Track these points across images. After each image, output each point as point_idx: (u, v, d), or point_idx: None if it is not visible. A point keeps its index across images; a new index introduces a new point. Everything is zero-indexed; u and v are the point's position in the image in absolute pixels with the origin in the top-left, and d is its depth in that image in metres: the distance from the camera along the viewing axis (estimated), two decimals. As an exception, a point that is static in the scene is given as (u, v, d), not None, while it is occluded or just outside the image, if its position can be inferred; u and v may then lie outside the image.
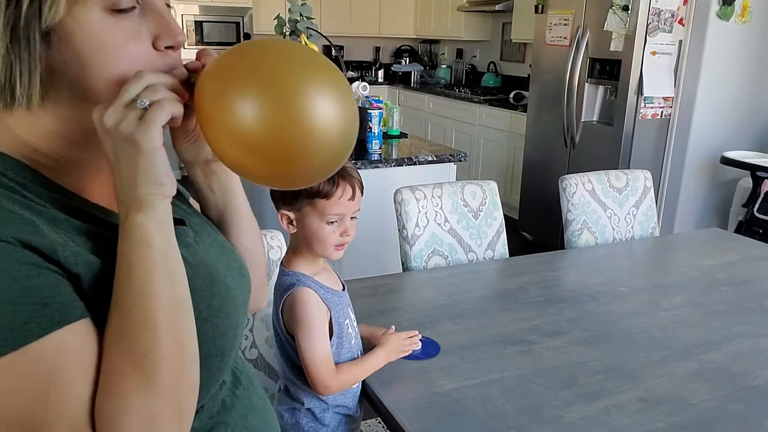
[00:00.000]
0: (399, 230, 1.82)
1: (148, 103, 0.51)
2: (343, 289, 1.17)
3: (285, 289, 1.08)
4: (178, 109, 0.53)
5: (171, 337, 0.52)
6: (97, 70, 0.51)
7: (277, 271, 1.15)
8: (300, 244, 1.11)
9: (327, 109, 0.57)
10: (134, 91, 0.51)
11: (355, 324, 1.18)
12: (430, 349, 1.26)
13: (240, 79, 0.54)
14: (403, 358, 1.20)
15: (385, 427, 1.12)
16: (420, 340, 1.24)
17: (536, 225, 3.87)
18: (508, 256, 1.97)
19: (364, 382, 1.15)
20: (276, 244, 1.42)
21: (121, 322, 0.51)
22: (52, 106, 0.53)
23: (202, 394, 0.59)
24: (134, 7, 0.53)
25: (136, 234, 0.52)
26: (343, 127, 0.59)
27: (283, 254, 1.37)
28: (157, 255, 0.52)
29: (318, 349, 1.05)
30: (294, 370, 1.12)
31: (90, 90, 0.52)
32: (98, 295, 0.52)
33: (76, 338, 0.49)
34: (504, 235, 1.97)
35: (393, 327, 1.23)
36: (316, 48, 2.62)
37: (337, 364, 1.09)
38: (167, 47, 0.55)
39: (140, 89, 0.51)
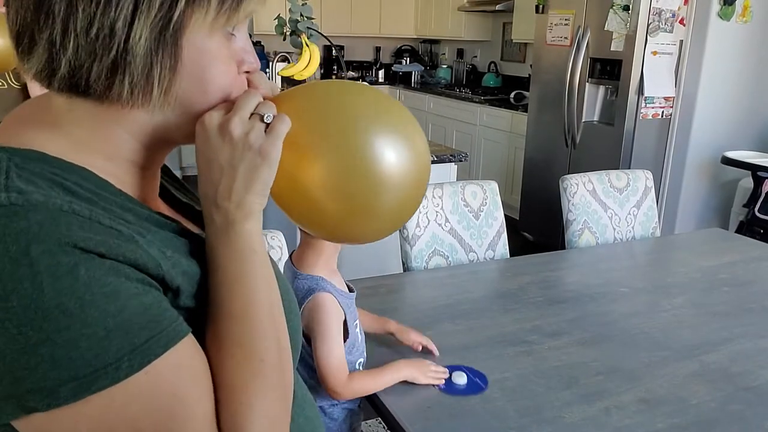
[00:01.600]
0: (399, 230, 1.82)
1: (272, 117, 0.54)
2: (351, 291, 1.17)
3: (304, 294, 1.08)
4: (290, 123, 0.55)
5: (275, 341, 0.55)
6: (206, 84, 0.53)
7: (287, 273, 1.15)
8: (317, 245, 1.11)
9: (390, 160, 0.58)
10: (252, 104, 0.54)
11: (358, 322, 1.18)
12: (474, 385, 1.14)
13: (312, 125, 0.57)
14: (444, 391, 1.12)
15: (386, 427, 1.12)
16: (464, 371, 1.16)
17: (537, 225, 3.87)
18: (508, 256, 1.97)
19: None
20: (276, 244, 1.42)
21: (233, 330, 0.52)
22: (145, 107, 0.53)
23: None
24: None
25: (243, 241, 0.54)
26: (409, 174, 0.60)
27: (284, 254, 1.37)
28: (260, 261, 0.55)
29: (333, 356, 1.05)
30: (306, 371, 1.12)
31: (191, 101, 0.53)
32: (194, 306, 0.52)
33: (190, 352, 0.49)
34: (505, 236, 1.97)
35: (435, 350, 1.21)
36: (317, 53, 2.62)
37: (351, 371, 1.08)
38: (245, 71, 0.57)
39: (256, 103, 0.54)
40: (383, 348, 1.25)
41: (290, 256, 1.19)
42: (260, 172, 0.53)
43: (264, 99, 0.56)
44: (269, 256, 0.68)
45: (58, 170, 0.48)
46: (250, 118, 0.54)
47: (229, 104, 0.54)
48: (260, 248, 0.55)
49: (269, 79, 0.63)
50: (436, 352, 1.23)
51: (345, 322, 1.10)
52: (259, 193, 0.54)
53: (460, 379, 1.14)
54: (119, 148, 0.53)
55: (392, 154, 0.60)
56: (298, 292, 1.09)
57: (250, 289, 0.54)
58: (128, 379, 0.44)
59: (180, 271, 0.51)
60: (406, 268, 1.81)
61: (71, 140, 0.51)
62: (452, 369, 1.17)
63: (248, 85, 0.57)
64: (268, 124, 0.54)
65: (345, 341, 1.09)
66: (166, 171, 0.67)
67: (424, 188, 0.65)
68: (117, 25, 0.46)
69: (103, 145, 0.52)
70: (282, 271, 1.24)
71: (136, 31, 0.47)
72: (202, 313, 0.53)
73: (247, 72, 0.57)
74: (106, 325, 0.43)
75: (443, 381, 1.14)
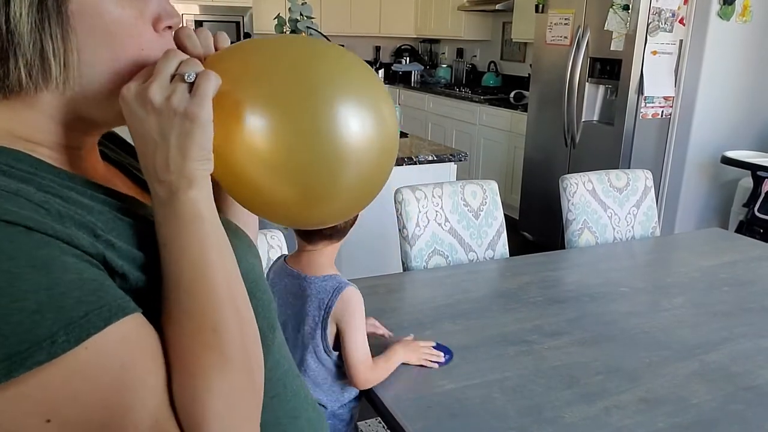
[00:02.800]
0: (399, 230, 1.82)
1: (194, 75, 0.49)
2: None
3: (332, 292, 1.12)
4: (220, 81, 0.51)
5: (233, 311, 0.51)
6: (109, 51, 0.49)
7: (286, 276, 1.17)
8: (327, 252, 1.15)
9: (354, 128, 0.52)
10: (172, 65, 0.50)
11: None
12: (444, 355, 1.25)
13: (252, 88, 0.51)
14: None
15: (386, 427, 1.12)
16: (433, 347, 1.26)
17: (537, 225, 3.86)
18: (508, 256, 1.96)
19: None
20: (276, 244, 1.42)
21: (182, 303, 0.49)
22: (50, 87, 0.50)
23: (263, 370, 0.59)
24: None
25: (189, 210, 0.50)
26: (376, 145, 0.53)
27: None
28: (210, 227, 0.51)
29: (364, 347, 1.12)
30: (322, 374, 1.13)
31: (99, 73, 0.50)
32: (145, 288, 0.50)
33: (137, 328, 0.47)
34: (504, 235, 1.97)
35: (411, 336, 1.26)
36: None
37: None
38: (165, 28, 0.53)
39: (177, 64, 0.50)
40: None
41: (285, 260, 1.19)
42: (193, 136, 0.49)
43: (191, 57, 0.52)
44: (233, 225, 0.65)
45: None
46: (172, 81, 0.49)
47: (149, 70, 0.50)
48: (209, 214, 0.52)
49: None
50: (388, 334, 1.30)
51: None
52: (198, 159, 0.50)
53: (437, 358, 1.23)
54: (42, 132, 0.51)
55: (354, 119, 0.52)
56: (323, 294, 1.13)
57: (199, 257, 0.50)
58: (66, 354, 0.41)
59: (119, 254, 0.48)
60: (406, 267, 1.81)
61: (8, 125, 0.49)
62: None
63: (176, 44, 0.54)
64: (192, 84, 0.49)
65: None
66: (121, 141, 0.65)
67: (391, 162, 0.58)
68: None
69: (26, 132, 0.50)
70: (269, 266, 1.25)
71: (14, 9, 0.45)
72: (156, 297, 0.51)
73: (169, 28, 0.54)
74: (38, 298, 0.40)
75: (437, 365, 1.19)
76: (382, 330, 1.30)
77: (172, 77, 0.50)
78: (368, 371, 1.12)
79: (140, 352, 0.46)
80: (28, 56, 0.46)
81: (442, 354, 1.21)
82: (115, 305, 0.44)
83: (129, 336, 0.45)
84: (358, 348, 1.10)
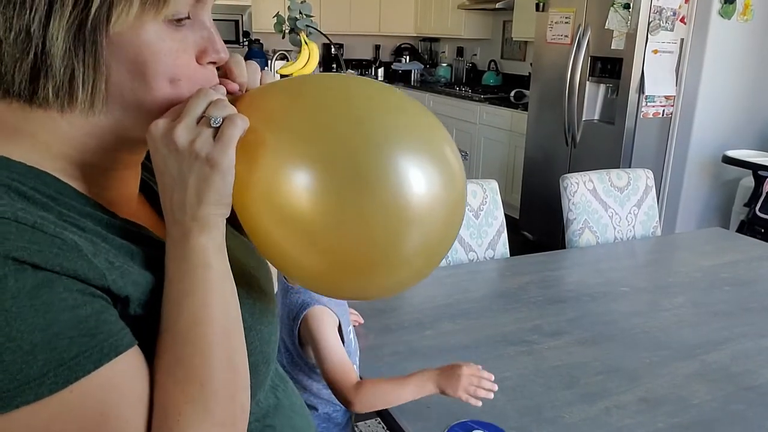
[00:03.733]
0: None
1: (221, 120, 0.49)
2: None
3: (298, 308, 1.06)
4: (247, 124, 0.50)
5: (225, 363, 0.50)
6: (148, 79, 0.49)
7: (278, 284, 1.12)
8: None
9: (423, 192, 0.43)
10: (200, 107, 0.50)
11: (352, 327, 1.18)
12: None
13: (294, 136, 0.46)
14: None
15: (385, 428, 1.11)
16: (484, 428, 1.02)
17: (537, 224, 3.86)
18: (508, 255, 1.96)
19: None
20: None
21: (176, 349, 0.49)
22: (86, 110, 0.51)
23: (252, 399, 0.58)
24: (188, 18, 0.51)
25: (197, 256, 0.50)
26: (444, 209, 0.45)
27: None
28: (215, 277, 0.51)
29: (336, 365, 1.01)
30: (307, 381, 1.12)
31: (127, 98, 0.50)
32: (147, 317, 0.50)
33: (126, 370, 0.46)
34: (505, 235, 1.96)
35: (471, 365, 0.99)
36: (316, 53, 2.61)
37: (364, 378, 1.03)
38: (209, 62, 0.53)
39: (205, 105, 0.50)
40: (418, 359, 1.24)
41: None
42: (211, 182, 0.49)
43: (230, 94, 0.51)
44: (252, 275, 0.63)
45: (16, 174, 0.47)
46: (199, 122, 0.49)
47: (181, 107, 0.50)
48: (217, 263, 0.51)
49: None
50: (360, 320, 1.28)
51: (339, 328, 1.09)
52: (215, 204, 0.50)
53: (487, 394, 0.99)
54: (78, 150, 0.51)
55: (419, 176, 0.43)
56: (292, 306, 1.07)
57: (198, 306, 0.49)
58: (52, 395, 0.42)
59: (130, 281, 0.48)
60: (406, 267, 1.81)
61: (35, 144, 0.49)
62: (470, 426, 1.03)
63: (222, 78, 0.54)
64: (218, 128, 0.49)
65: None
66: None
67: (459, 223, 0.50)
68: (32, 27, 0.45)
69: (64, 148, 0.50)
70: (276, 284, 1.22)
71: (52, 32, 0.45)
72: (154, 325, 0.50)
73: (213, 63, 0.53)
74: (33, 338, 0.41)
75: (491, 394, 0.97)
76: (354, 315, 1.28)
77: (200, 118, 0.49)
78: (346, 390, 0.99)
79: (123, 398, 0.46)
80: (57, 78, 0.46)
81: (492, 380, 0.99)
82: (107, 345, 0.44)
83: (114, 380, 0.45)
84: (328, 369, 1.01)
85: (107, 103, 0.49)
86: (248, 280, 0.61)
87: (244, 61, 0.56)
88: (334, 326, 1.07)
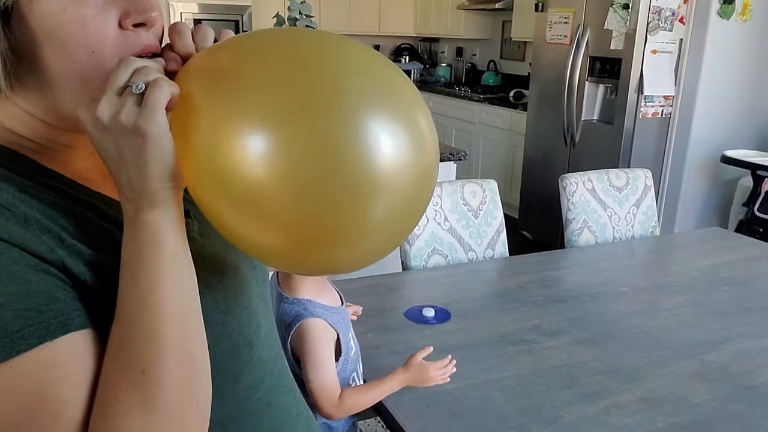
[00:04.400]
0: (399, 229, 1.81)
1: (144, 86, 0.44)
2: (342, 304, 1.13)
3: (292, 320, 1.04)
4: (176, 89, 0.46)
5: (177, 351, 0.46)
6: (58, 53, 0.46)
7: (273, 292, 1.10)
8: None
9: (389, 151, 0.39)
10: (123, 77, 0.45)
11: (353, 333, 1.16)
12: (442, 315, 1.40)
13: (241, 94, 0.40)
14: (416, 322, 1.31)
15: (385, 427, 1.12)
16: (432, 307, 1.36)
17: (536, 224, 3.86)
18: (508, 255, 1.96)
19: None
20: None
21: (122, 333, 0.45)
22: (23, 91, 0.48)
23: (237, 383, 0.58)
24: None
25: (147, 233, 0.46)
26: (415, 174, 0.41)
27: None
28: (167, 256, 0.47)
29: (324, 380, 1.02)
30: (304, 389, 1.11)
31: (54, 75, 0.47)
32: (107, 302, 0.47)
33: (72, 350, 0.44)
34: (504, 234, 1.97)
35: (430, 348, 1.10)
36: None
37: (344, 387, 1.05)
38: (137, 25, 0.49)
39: (129, 74, 0.45)
40: (388, 356, 1.24)
41: (277, 275, 1.14)
42: (146, 152, 0.44)
43: (148, 63, 0.46)
44: (225, 258, 0.60)
45: None
46: (122, 94, 0.45)
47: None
48: (171, 240, 0.47)
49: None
50: (359, 311, 1.32)
51: (338, 340, 1.07)
52: (159, 177, 0.45)
53: (429, 312, 1.39)
54: (28, 128, 0.50)
55: (387, 138, 0.39)
56: (286, 317, 1.05)
57: (147, 288, 0.46)
58: None
59: (82, 260, 0.46)
60: (405, 266, 1.81)
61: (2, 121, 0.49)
62: (421, 307, 1.42)
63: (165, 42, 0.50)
64: (142, 95, 0.44)
65: (338, 360, 1.06)
66: None
67: (430, 191, 0.46)
68: None
69: (12, 124, 0.49)
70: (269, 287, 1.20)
71: None
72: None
73: (143, 25, 0.49)
74: None
75: (448, 378, 1.10)
76: (353, 308, 1.29)
77: (123, 89, 0.45)
78: (329, 406, 1.02)
79: (65, 379, 0.43)
80: None
81: (452, 359, 1.11)
82: (55, 322, 0.42)
83: (58, 359, 0.43)
84: (314, 381, 1.01)
85: (22, 81, 0.47)
86: (222, 268, 0.59)
87: (189, 27, 0.51)
88: (329, 341, 1.04)
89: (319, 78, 0.40)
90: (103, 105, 0.44)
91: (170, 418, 0.45)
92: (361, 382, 1.13)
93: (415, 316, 1.40)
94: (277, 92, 0.40)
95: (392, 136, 0.41)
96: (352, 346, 1.13)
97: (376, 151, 0.40)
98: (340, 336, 1.07)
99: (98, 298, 0.47)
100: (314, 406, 1.06)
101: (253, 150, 0.40)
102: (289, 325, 1.04)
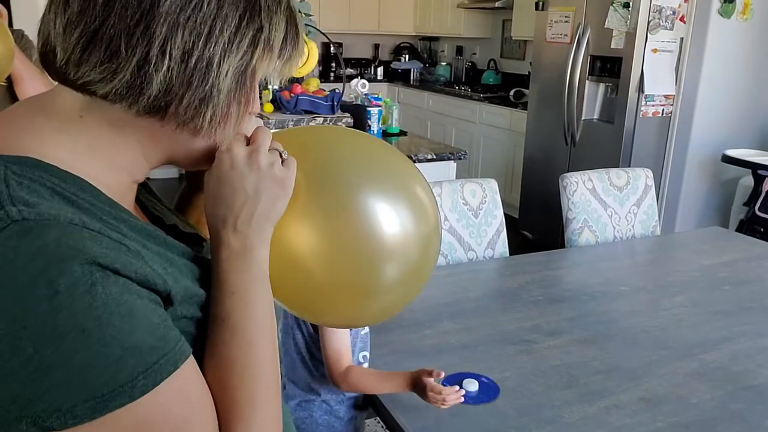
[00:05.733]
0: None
1: (286, 153, 0.58)
2: None
3: None
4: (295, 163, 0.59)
5: (276, 363, 0.56)
6: (244, 117, 0.55)
7: None
8: None
9: (396, 228, 0.56)
10: (268, 140, 0.57)
11: None
12: (486, 393, 1.10)
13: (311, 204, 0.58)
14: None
15: (385, 427, 1.11)
16: (477, 379, 1.11)
17: (536, 224, 3.86)
18: (508, 254, 1.96)
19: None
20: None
21: (247, 352, 0.54)
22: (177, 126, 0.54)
23: None
24: None
25: (261, 268, 0.56)
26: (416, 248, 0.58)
27: None
28: (268, 288, 0.57)
29: (335, 342, 1.06)
30: (313, 361, 1.12)
31: (209, 131, 0.55)
32: (192, 325, 0.53)
33: (193, 373, 0.50)
34: (504, 234, 1.96)
35: (442, 374, 1.01)
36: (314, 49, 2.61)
37: (355, 365, 1.09)
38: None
39: (269, 140, 0.57)
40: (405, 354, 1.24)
41: None
42: (279, 201, 0.56)
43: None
44: None
45: (55, 179, 0.47)
46: (271, 152, 0.57)
47: (240, 136, 0.57)
48: (268, 276, 0.57)
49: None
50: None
51: None
52: (274, 223, 0.56)
53: (471, 385, 1.10)
54: (126, 159, 0.53)
55: (392, 213, 0.55)
56: None
57: (263, 314, 0.55)
58: (142, 398, 0.43)
59: (181, 287, 0.51)
60: (406, 266, 1.81)
61: (76, 146, 0.49)
62: (462, 377, 1.12)
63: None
64: (283, 160, 0.57)
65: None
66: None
67: (435, 253, 0.61)
68: (214, 60, 0.48)
69: (113, 153, 0.52)
70: None
71: (224, 68, 0.49)
72: (199, 331, 0.54)
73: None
74: (122, 344, 0.42)
75: (461, 399, 1.01)
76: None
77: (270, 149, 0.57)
78: (339, 373, 1.05)
79: (197, 397, 0.50)
80: (217, 109, 0.51)
81: (461, 395, 1.00)
82: (178, 350, 0.47)
83: (188, 381, 0.48)
84: (329, 342, 1.06)
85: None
86: None
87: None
88: None
89: (344, 169, 0.59)
90: (264, 154, 0.56)
91: (277, 418, 0.56)
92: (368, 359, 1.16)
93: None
94: (320, 190, 0.59)
95: (394, 209, 0.58)
96: (359, 329, 1.15)
97: (381, 222, 0.56)
98: None
99: (182, 322, 0.52)
100: (322, 378, 1.12)
101: (307, 235, 0.58)
102: None
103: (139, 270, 0.45)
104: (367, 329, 1.17)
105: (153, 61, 0.46)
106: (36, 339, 0.40)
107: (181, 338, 0.48)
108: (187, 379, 0.48)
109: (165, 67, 0.47)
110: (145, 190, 0.64)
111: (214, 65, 0.48)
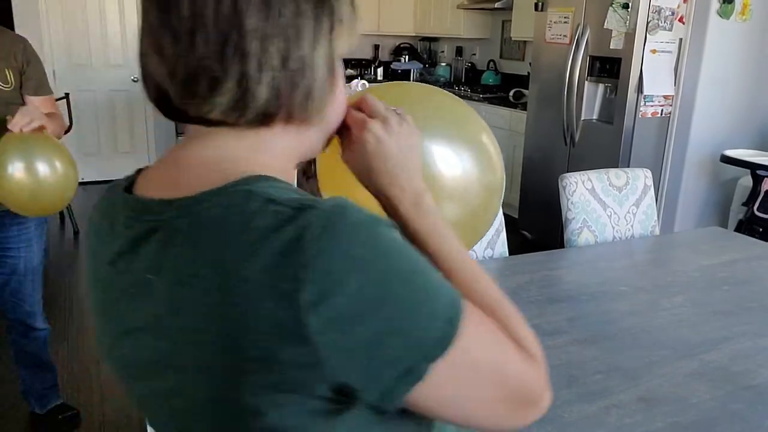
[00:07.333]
0: (398, 229, 1.81)
1: (401, 110, 0.65)
2: None
3: None
4: None
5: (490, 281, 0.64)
6: (341, 101, 0.61)
7: None
8: None
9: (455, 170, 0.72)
10: (382, 105, 0.64)
11: None
12: None
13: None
14: None
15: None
16: None
17: (536, 224, 3.86)
18: (507, 254, 1.96)
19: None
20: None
21: (467, 278, 0.59)
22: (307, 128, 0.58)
23: None
24: None
25: (434, 208, 0.63)
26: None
27: None
28: (447, 222, 0.63)
29: None
30: None
31: (331, 118, 0.60)
32: None
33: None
34: (504, 234, 1.96)
35: None
36: None
37: None
38: None
39: (383, 104, 0.64)
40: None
41: None
42: (417, 153, 0.64)
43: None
44: None
45: (282, 183, 0.53)
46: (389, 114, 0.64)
47: (360, 114, 0.63)
48: None
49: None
50: None
51: None
52: (420, 170, 0.65)
53: None
54: (286, 169, 0.59)
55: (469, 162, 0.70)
56: None
57: (455, 242, 0.62)
58: (464, 316, 0.49)
59: None
60: (405, 266, 1.81)
61: (266, 167, 0.54)
62: None
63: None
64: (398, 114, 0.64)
65: None
66: None
67: (497, 205, 0.78)
68: (306, 56, 0.52)
69: (284, 164, 0.57)
70: None
71: (318, 61, 0.53)
72: None
73: None
74: (434, 276, 0.50)
75: None
76: None
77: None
78: None
79: (493, 329, 0.54)
80: (318, 97, 0.54)
81: None
82: (455, 291, 0.51)
83: (479, 313, 0.53)
84: None
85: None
86: None
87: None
88: None
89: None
90: (393, 119, 0.63)
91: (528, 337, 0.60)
92: None
93: None
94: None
95: (459, 155, 0.75)
96: None
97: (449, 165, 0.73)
98: None
99: None
100: None
101: None
102: None
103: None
104: None
105: (252, 77, 0.50)
106: (400, 286, 0.46)
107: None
108: (475, 310, 0.52)
109: (267, 79, 0.50)
110: None
111: (306, 60, 0.52)
